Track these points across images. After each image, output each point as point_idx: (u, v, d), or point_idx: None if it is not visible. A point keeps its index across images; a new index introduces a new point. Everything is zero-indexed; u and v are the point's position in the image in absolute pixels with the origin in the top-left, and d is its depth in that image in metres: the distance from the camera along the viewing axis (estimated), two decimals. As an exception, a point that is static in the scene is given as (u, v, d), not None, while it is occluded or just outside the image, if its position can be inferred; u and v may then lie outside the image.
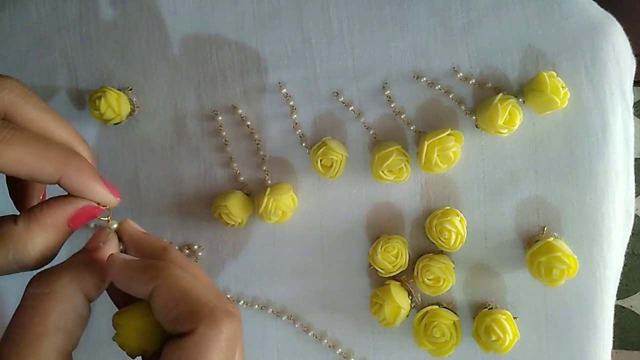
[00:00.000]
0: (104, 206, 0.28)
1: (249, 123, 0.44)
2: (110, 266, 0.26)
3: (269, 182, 0.44)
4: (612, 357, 0.41)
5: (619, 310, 1.22)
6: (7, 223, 0.25)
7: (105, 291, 0.28)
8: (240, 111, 0.44)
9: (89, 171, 0.27)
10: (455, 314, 0.41)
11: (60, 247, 0.26)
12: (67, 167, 0.26)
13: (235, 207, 0.41)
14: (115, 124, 0.44)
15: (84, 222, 0.27)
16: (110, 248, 0.28)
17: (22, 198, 0.31)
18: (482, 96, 0.41)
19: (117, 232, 0.29)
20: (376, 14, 0.42)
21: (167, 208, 0.45)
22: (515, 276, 0.41)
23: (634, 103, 0.40)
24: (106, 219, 0.28)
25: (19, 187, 0.30)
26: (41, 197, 0.31)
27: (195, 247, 0.45)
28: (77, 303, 0.25)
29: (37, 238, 0.25)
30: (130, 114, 0.44)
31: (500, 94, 0.39)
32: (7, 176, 0.29)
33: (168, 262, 0.26)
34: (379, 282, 0.43)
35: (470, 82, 0.41)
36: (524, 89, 0.39)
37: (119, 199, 0.28)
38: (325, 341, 0.44)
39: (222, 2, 0.44)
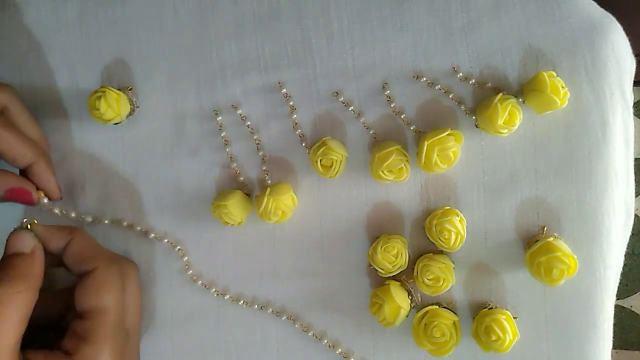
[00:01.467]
0: (47, 199, 0.41)
1: (249, 123, 0.44)
2: (40, 230, 0.36)
3: (269, 182, 0.44)
4: (612, 357, 0.41)
5: (619, 310, 1.22)
6: None
7: None
8: (240, 111, 0.44)
9: (51, 168, 0.41)
10: (455, 314, 0.41)
11: None
12: (39, 158, 0.39)
13: (234, 207, 0.41)
14: (115, 124, 0.44)
15: (14, 200, 0.38)
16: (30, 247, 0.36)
17: None
18: (482, 96, 0.41)
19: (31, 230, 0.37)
20: (376, 14, 0.42)
21: (167, 208, 0.45)
22: (515, 276, 0.41)
23: (634, 103, 0.41)
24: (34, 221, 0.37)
25: None
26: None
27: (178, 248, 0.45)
28: (22, 316, 0.32)
29: None
30: (130, 114, 0.44)
31: (500, 94, 0.39)
32: None
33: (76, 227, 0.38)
34: (379, 282, 0.43)
35: (470, 82, 0.41)
36: (524, 89, 0.39)
37: (60, 195, 0.42)
38: (325, 341, 0.44)
39: (222, 2, 0.44)
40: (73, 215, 0.44)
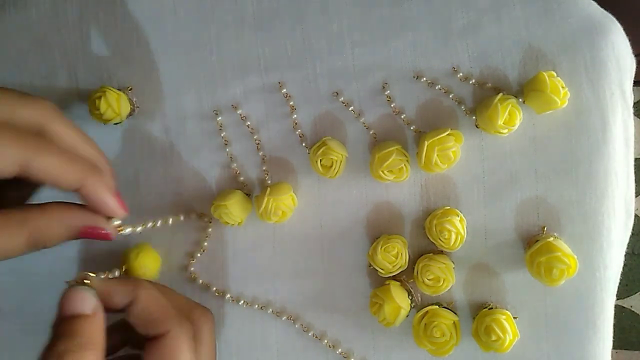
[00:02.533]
0: (115, 222, 0.33)
1: (249, 123, 0.44)
2: (98, 287, 0.31)
3: (269, 182, 0.44)
4: (612, 357, 0.41)
5: (619, 310, 1.22)
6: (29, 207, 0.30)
7: None
8: (240, 111, 0.44)
9: (105, 186, 0.31)
10: (455, 314, 0.41)
11: (58, 244, 0.31)
12: (86, 180, 0.30)
13: (234, 207, 0.41)
14: (115, 124, 0.44)
15: (88, 237, 0.32)
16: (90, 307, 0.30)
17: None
18: (482, 96, 0.41)
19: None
20: (376, 14, 0.42)
21: (167, 208, 0.45)
22: (515, 276, 0.41)
23: (634, 103, 0.40)
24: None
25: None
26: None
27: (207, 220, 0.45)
28: None
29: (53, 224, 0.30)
30: (130, 114, 0.44)
31: (500, 94, 0.39)
32: None
33: (144, 280, 0.33)
34: (379, 282, 0.43)
35: (470, 82, 0.41)
36: (524, 89, 0.39)
37: (125, 212, 0.33)
38: (325, 341, 0.44)
39: (222, 2, 0.44)
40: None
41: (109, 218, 0.33)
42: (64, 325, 0.28)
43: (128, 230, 0.35)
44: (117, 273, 0.34)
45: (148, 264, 0.43)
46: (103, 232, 0.32)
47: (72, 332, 0.28)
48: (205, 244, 0.45)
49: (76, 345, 0.27)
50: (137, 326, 0.31)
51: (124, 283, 0.32)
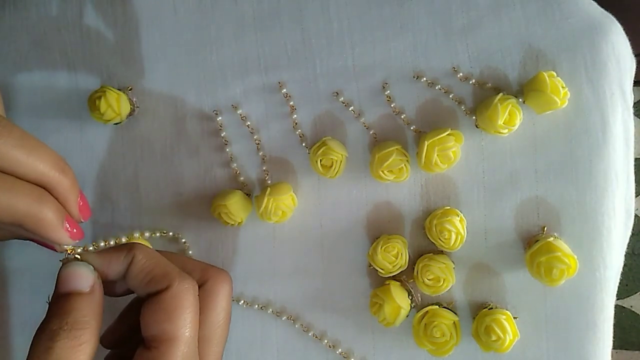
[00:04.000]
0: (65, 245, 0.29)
1: (249, 123, 0.44)
2: (94, 259, 0.29)
3: (269, 182, 0.44)
4: (612, 357, 0.41)
5: (619, 310, 1.22)
6: None
7: None
8: (240, 111, 0.44)
9: (48, 220, 0.27)
10: (455, 314, 0.41)
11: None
12: (25, 217, 0.26)
13: (234, 207, 0.41)
14: (115, 124, 0.44)
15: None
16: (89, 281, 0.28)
17: None
18: (482, 96, 0.41)
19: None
20: (376, 14, 0.42)
21: (167, 208, 0.45)
22: (515, 276, 0.41)
23: (634, 103, 0.40)
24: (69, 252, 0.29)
25: None
26: None
27: (183, 240, 0.45)
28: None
29: None
30: (130, 114, 0.44)
31: (500, 94, 0.39)
32: None
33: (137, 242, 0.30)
34: (379, 282, 0.43)
35: (470, 82, 0.41)
36: (524, 89, 0.39)
37: (79, 237, 0.29)
38: (325, 341, 0.44)
39: (222, 2, 0.44)
40: None
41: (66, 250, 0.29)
42: (59, 302, 0.27)
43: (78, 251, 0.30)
44: (112, 242, 0.33)
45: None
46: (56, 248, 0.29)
47: (67, 311, 0.26)
48: (190, 252, 0.45)
49: (70, 324, 0.26)
50: (136, 288, 0.29)
51: (118, 249, 0.29)
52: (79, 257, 0.28)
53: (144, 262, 0.29)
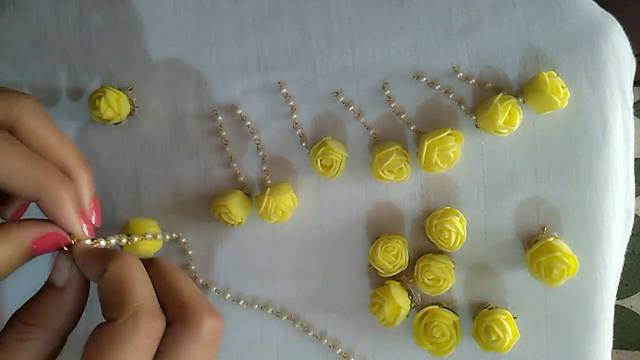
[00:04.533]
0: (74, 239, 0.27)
1: (249, 123, 0.44)
2: (75, 254, 0.27)
3: (269, 182, 0.44)
4: (612, 357, 0.41)
5: (619, 310, 1.22)
6: None
7: None
8: (240, 111, 0.44)
9: (67, 201, 0.27)
10: (455, 314, 0.41)
11: (14, 269, 0.26)
12: (46, 191, 0.26)
13: (234, 207, 0.41)
14: (115, 124, 0.44)
15: (48, 250, 0.27)
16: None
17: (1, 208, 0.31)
18: (482, 96, 0.41)
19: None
20: (376, 14, 0.42)
21: (167, 208, 0.45)
22: (515, 276, 0.41)
23: (634, 103, 0.40)
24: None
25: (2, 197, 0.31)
26: (15, 212, 0.31)
27: (182, 239, 0.45)
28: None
29: None
30: (130, 114, 0.44)
31: (500, 94, 0.39)
32: None
33: (127, 253, 0.26)
34: (379, 282, 0.43)
35: (470, 82, 0.41)
36: (524, 89, 0.39)
37: (88, 234, 0.28)
38: (325, 341, 0.44)
39: (222, 2, 0.44)
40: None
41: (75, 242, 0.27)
42: (37, 292, 0.27)
43: (101, 243, 0.29)
44: (112, 241, 0.31)
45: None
46: (63, 239, 0.27)
47: (33, 303, 0.26)
48: (190, 252, 0.45)
49: (29, 318, 0.25)
50: (101, 306, 0.25)
51: (99, 252, 0.27)
52: (66, 249, 0.27)
53: (107, 281, 0.25)
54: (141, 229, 0.42)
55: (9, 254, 0.25)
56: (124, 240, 0.32)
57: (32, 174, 0.26)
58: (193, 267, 0.45)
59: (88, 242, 0.28)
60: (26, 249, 0.26)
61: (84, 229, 0.28)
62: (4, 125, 0.27)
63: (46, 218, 0.27)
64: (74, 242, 0.27)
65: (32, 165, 0.26)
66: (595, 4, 0.39)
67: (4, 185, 0.25)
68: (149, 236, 0.39)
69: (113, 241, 0.30)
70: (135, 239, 0.35)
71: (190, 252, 0.45)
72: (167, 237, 0.43)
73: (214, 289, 0.45)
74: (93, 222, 0.29)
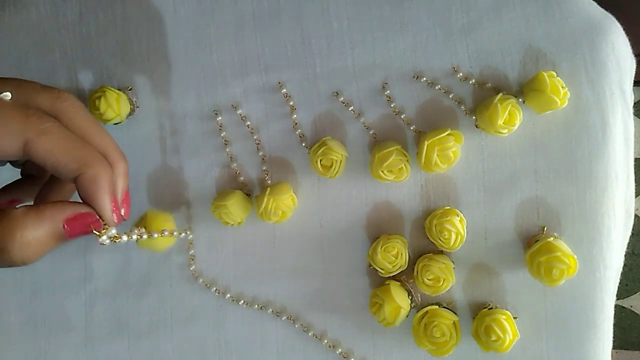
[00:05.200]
0: (110, 232, 0.29)
1: (249, 123, 0.44)
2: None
3: (269, 182, 0.44)
4: (612, 357, 0.41)
5: (619, 310, 1.22)
6: (11, 209, 0.26)
7: None
8: (240, 111, 0.44)
9: (105, 182, 0.28)
10: (455, 314, 0.41)
11: (47, 251, 0.27)
12: (87, 168, 0.28)
13: (234, 207, 0.41)
14: (115, 124, 0.44)
15: (79, 232, 0.28)
16: None
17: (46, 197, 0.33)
18: (482, 96, 0.41)
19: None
20: (376, 14, 0.42)
21: (167, 208, 0.45)
22: (515, 276, 0.41)
23: (634, 103, 0.40)
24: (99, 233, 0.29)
25: (49, 189, 0.33)
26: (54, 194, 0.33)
27: (190, 237, 0.45)
28: None
29: (29, 228, 0.26)
30: (130, 114, 0.44)
31: (500, 94, 0.39)
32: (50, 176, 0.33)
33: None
34: (379, 282, 0.43)
35: (470, 82, 0.41)
36: (524, 89, 0.39)
37: (117, 222, 0.29)
38: (325, 341, 0.44)
39: (222, 2, 0.44)
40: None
41: (103, 226, 0.29)
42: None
43: (123, 238, 0.31)
44: (144, 236, 0.33)
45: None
46: (95, 221, 0.28)
47: None
48: (192, 251, 0.45)
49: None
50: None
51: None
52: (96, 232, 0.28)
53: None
54: (158, 223, 0.42)
55: (42, 234, 0.26)
56: (144, 237, 0.34)
57: (76, 152, 0.28)
58: (192, 268, 0.45)
59: (113, 231, 0.29)
60: (59, 229, 0.27)
61: (114, 216, 0.29)
62: (49, 112, 0.29)
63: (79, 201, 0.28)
64: (104, 228, 0.28)
65: (77, 144, 0.28)
66: (595, 4, 0.39)
67: (50, 161, 0.27)
68: (166, 233, 0.40)
69: (134, 237, 0.32)
70: (155, 235, 0.38)
71: (191, 252, 0.45)
72: (182, 234, 0.43)
73: (214, 288, 0.45)
74: (122, 213, 0.31)
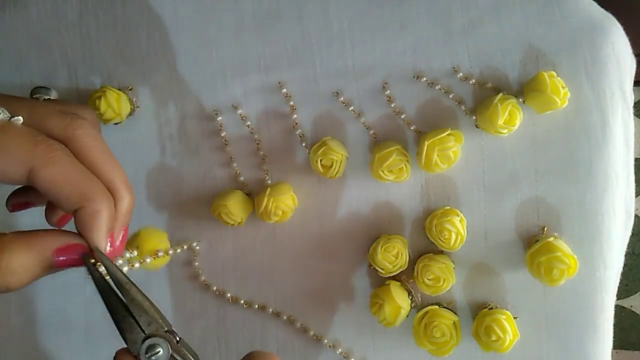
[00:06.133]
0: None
1: (249, 123, 0.44)
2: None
3: (269, 182, 0.44)
4: (612, 357, 0.41)
5: (619, 310, 1.22)
6: (1, 233, 0.25)
7: None
8: (240, 111, 0.44)
9: (104, 218, 0.27)
10: (455, 314, 0.41)
11: (34, 279, 0.26)
12: (89, 202, 0.27)
13: (235, 207, 0.41)
14: (115, 124, 0.44)
15: (69, 263, 0.27)
16: None
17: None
18: (482, 96, 0.41)
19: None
20: (376, 14, 0.42)
21: (167, 208, 0.45)
22: (516, 276, 0.41)
23: (634, 103, 0.40)
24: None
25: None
26: (59, 219, 0.33)
27: (194, 244, 0.45)
28: None
29: (17, 255, 0.25)
30: (130, 114, 0.44)
31: (500, 94, 0.39)
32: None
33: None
34: (379, 282, 0.43)
35: (470, 82, 0.41)
36: (524, 89, 0.39)
37: (111, 256, 0.29)
38: (325, 341, 0.44)
39: (222, 2, 0.44)
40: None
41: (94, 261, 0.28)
42: None
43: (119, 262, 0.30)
44: (137, 265, 0.33)
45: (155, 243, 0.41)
46: (80, 248, 0.27)
47: None
48: (196, 263, 0.45)
49: None
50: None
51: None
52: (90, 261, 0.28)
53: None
54: (152, 243, 0.40)
55: (29, 262, 0.25)
56: (137, 265, 0.34)
57: (80, 184, 0.27)
58: (193, 267, 0.45)
59: (102, 269, 0.28)
60: (48, 258, 0.26)
61: (107, 249, 0.28)
62: (60, 139, 0.28)
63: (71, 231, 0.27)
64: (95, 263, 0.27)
65: (82, 176, 0.27)
66: (595, 4, 0.39)
67: (52, 192, 0.26)
68: (161, 254, 0.39)
69: (126, 268, 0.30)
70: (148, 260, 0.36)
71: (191, 252, 0.45)
72: (178, 249, 0.42)
73: (214, 288, 0.45)
74: (116, 252, 0.29)
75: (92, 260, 0.27)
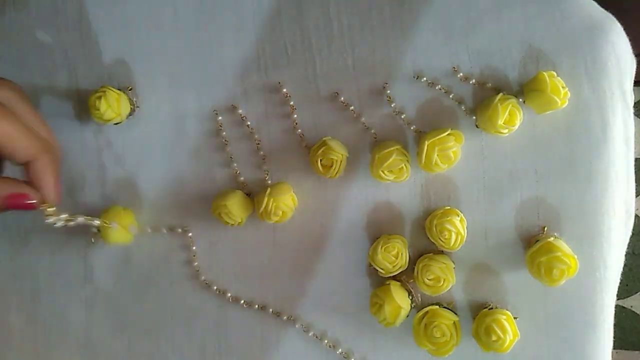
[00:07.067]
0: (43, 204, 0.34)
1: (249, 123, 0.44)
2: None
3: (269, 182, 0.44)
4: (612, 357, 0.41)
5: (619, 310, 1.22)
6: None
7: None
8: (240, 111, 0.44)
9: (53, 169, 0.33)
10: (456, 314, 0.41)
11: None
12: (40, 156, 0.32)
13: (235, 207, 0.41)
14: (115, 124, 0.44)
15: (17, 208, 0.32)
16: None
17: None
18: (482, 96, 0.41)
19: None
20: (376, 14, 0.42)
21: (167, 208, 0.45)
22: (516, 276, 0.41)
23: (634, 103, 0.40)
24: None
25: None
26: None
27: (190, 235, 0.45)
28: None
29: None
30: (130, 114, 0.44)
31: (501, 94, 0.39)
32: None
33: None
34: (379, 282, 0.43)
35: (471, 82, 0.41)
36: (524, 89, 0.39)
37: (58, 202, 0.35)
38: (325, 341, 0.44)
39: (222, 2, 0.44)
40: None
41: (43, 203, 0.34)
42: None
43: (60, 221, 0.36)
44: (96, 222, 0.40)
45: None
46: (28, 201, 0.33)
47: None
48: (194, 247, 0.45)
49: None
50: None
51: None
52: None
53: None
54: (119, 218, 0.43)
55: None
56: (96, 223, 0.41)
57: (32, 138, 0.32)
58: (196, 264, 0.45)
59: (54, 209, 0.35)
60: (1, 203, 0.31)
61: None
62: None
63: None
64: (44, 206, 0.34)
65: (32, 131, 0.32)
66: (595, 3, 0.39)
67: (8, 148, 0.30)
68: (115, 225, 0.43)
69: (80, 219, 0.38)
70: (96, 222, 0.41)
71: (191, 252, 0.45)
72: (138, 230, 0.45)
73: (214, 288, 0.45)
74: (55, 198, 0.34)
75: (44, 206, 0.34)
